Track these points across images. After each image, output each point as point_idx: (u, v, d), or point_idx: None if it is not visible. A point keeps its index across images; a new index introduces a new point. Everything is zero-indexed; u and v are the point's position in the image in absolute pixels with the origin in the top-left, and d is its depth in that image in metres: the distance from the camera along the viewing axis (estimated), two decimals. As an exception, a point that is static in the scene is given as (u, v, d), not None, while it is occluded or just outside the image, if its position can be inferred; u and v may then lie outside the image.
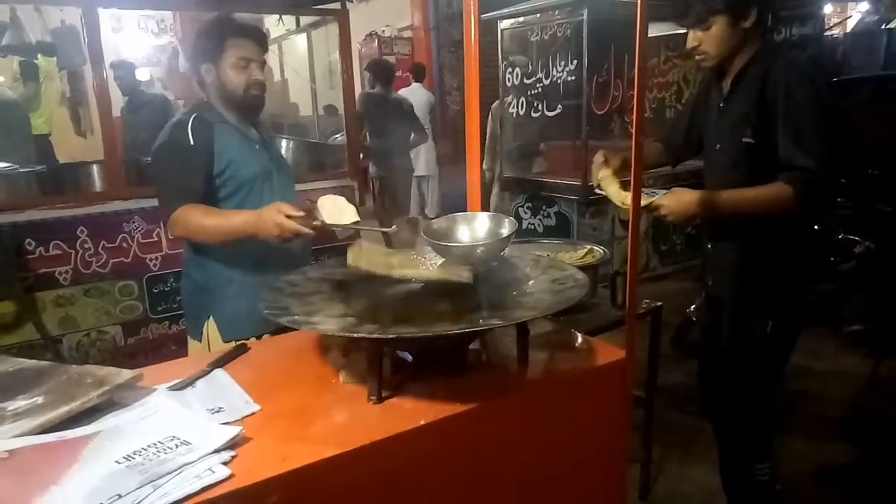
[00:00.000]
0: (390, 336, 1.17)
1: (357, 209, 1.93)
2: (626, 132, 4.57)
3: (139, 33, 7.43)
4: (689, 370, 2.20)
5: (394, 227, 1.80)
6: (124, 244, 3.07)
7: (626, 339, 1.38)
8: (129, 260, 3.10)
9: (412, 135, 5.21)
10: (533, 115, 4.84)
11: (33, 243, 2.88)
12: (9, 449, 0.94)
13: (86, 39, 3.11)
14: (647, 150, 2.09)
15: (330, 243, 3.28)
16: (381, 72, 5.14)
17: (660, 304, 2.22)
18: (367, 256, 1.41)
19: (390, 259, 1.46)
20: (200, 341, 1.89)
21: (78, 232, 2.96)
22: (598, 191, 1.99)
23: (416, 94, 7.39)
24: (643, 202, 1.87)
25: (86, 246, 2.99)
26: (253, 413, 1.13)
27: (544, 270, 1.46)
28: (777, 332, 1.91)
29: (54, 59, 5.86)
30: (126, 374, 1.17)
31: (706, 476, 2.35)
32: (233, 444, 0.99)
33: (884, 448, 2.69)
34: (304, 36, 6.02)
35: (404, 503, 1.11)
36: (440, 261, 1.56)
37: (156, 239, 3.12)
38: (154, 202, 1.82)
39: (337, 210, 1.94)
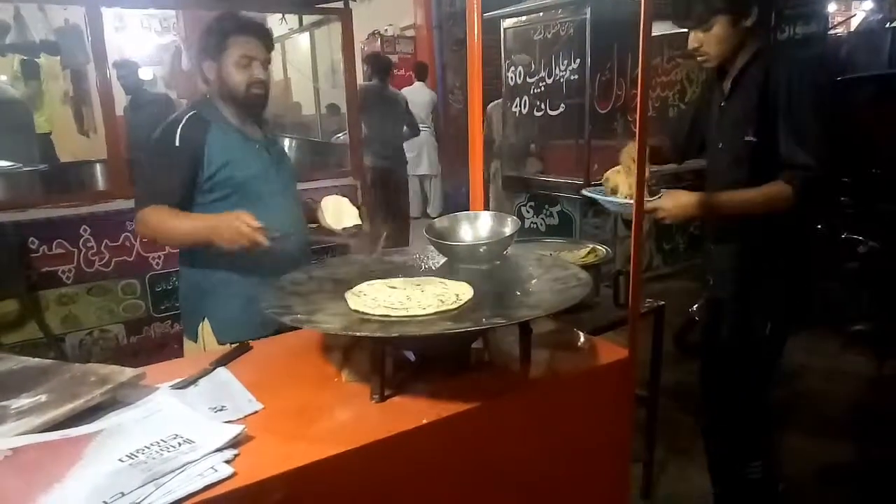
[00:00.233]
0: (393, 335, 1.17)
1: (360, 212, 1.93)
2: (629, 131, 4.57)
3: (142, 32, 7.43)
4: (691, 370, 2.20)
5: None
6: (127, 243, 3.07)
7: (628, 338, 1.38)
8: (131, 259, 3.10)
9: (405, 129, 5.28)
10: (536, 114, 4.83)
11: (36, 242, 2.89)
12: (12, 447, 0.94)
13: (89, 38, 3.11)
14: (654, 146, 2.09)
15: (331, 242, 3.28)
16: (379, 65, 5.20)
17: (662, 303, 2.21)
18: (367, 296, 1.32)
19: (395, 294, 1.33)
20: (196, 342, 1.87)
21: (81, 231, 2.96)
22: (606, 198, 1.98)
23: (418, 93, 7.40)
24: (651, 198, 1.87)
25: (89, 245, 3.00)
26: (255, 412, 1.13)
27: (547, 270, 1.46)
28: (775, 332, 1.91)
29: (58, 58, 5.86)
30: (129, 372, 1.17)
31: (708, 476, 2.34)
32: (235, 443, 0.99)
33: (888, 448, 2.68)
34: (306, 35, 6.02)
35: (406, 502, 1.11)
36: (442, 260, 1.57)
37: (158, 238, 3.13)
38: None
39: (339, 212, 1.94)
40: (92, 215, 2.98)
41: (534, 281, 1.42)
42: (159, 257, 3.15)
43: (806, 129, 1.71)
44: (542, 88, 4.76)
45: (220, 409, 1.13)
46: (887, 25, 5.44)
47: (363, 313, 1.23)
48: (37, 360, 1.27)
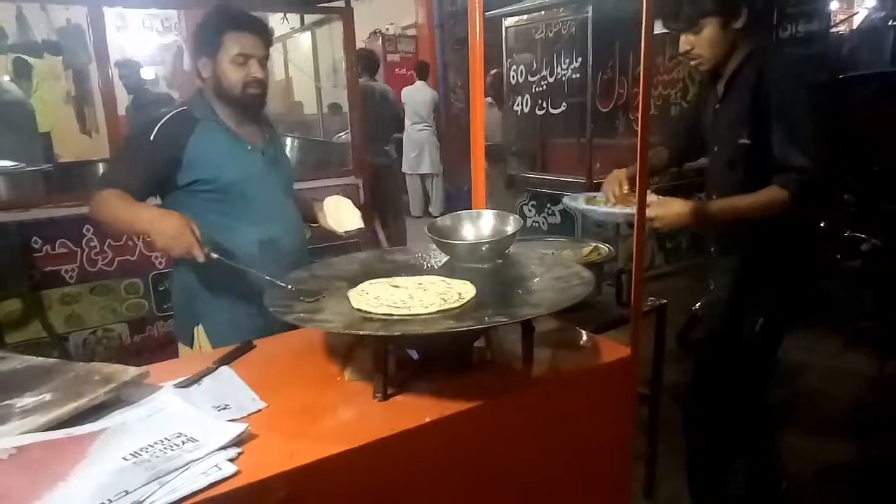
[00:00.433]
0: (395, 334, 1.17)
1: (361, 214, 1.90)
2: (630, 130, 4.56)
3: (144, 32, 7.44)
4: (693, 368, 2.20)
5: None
6: (129, 242, 3.08)
7: (630, 336, 1.38)
8: (134, 258, 3.11)
9: (393, 123, 5.44)
10: (537, 112, 4.83)
11: (39, 241, 2.90)
12: (17, 445, 0.95)
13: (91, 38, 3.12)
14: (651, 156, 2.09)
15: (331, 242, 3.28)
16: (367, 62, 5.33)
17: (665, 301, 2.21)
18: (370, 294, 1.32)
19: (398, 293, 1.33)
20: (192, 348, 1.81)
21: (84, 230, 2.97)
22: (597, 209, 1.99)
23: (419, 92, 7.40)
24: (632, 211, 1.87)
25: (92, 244, 3.01)
26: (259, 410, 1.13)
27: (549, 268, 1.46)
28: (767, 332, 1.90)
29: (60, 57, 5.87)
30: (132, 371, 1.17)
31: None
32: (239, 441, 0.99)
33: (889, 447, 2.68)
34: (308, 34, 6.04)
35: (410, 500, 1.11)
36: (445, 259, 1.57)
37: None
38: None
39: (340, 214, 1.92)
40: (94, 215, 2.99)
41: (536, 279, 1.42)
42: (162, 257, 3.15)
43: (800, 130, 1.69)
44: (544, 87, 4.76)
45: (224, 408, 1.13)
46: (890, 23, 5.42)
47: (366, 312, 1.23)
48: (40, 359, 1.27)
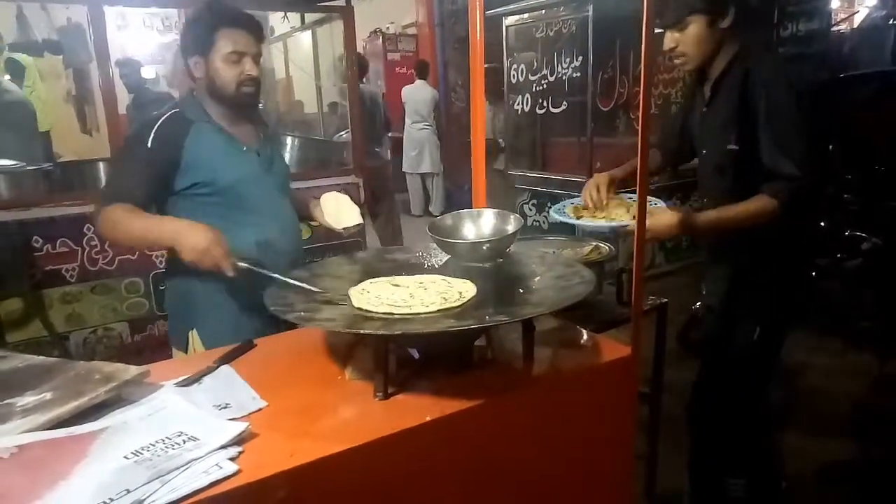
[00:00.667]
0: (396, 332, 1.17)
1: (361, 210, 1.89)
2: (631, 129, 4.56)
3: (144, 31, 7.43)
4: (694, 367, 2.20)
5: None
6: (130, 241, 3.08)
7: (631, 335, 1.38)
8: (135, 257, 3.11)
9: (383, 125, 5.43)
10: (538, 111, 4.83)
11: (40, 241, 2.90)
12: (18, 444, 0.95)
13: (92, 37, 3.12)
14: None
15: (330, 241, 3.29)
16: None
17: (665, 300, 2.21)
18: (371, 293, 1.32)
19: (398, 292, 1.34)
20: (186, 352, 1.78)
21: (84, 229, 2.97)
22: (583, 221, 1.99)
23: (419, 91, 7.40)
24: (625, 221, 1.86)
25: (92, 243, 3.01)
26: (260, 409, 1.13)
27: (550, 267, 1.46)
28: (765, 339, 1.89)
29: (60, 56, 5.88)
30: (133, 370, 1.17)
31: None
32: (240, 440, 1.00)
33: (889, 447, 2.68)
34: (308, 33, 6.04)
35: (410, 499, 1.11)
36: (445, 258, 1.57)
37: (162, 236, 3.14)
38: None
39: (339, 210, 1.90)
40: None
41: (537, 278, 1.42)
42: (162, 256, 3.15)
43: (789, 137, 1.66)
44: (545, 86, 4.76)
45: (225, 407, 1.13)
46: (891, 22, 5.42)
47: (366, 311, 1.23)
48: (41, 358, 1.27)
